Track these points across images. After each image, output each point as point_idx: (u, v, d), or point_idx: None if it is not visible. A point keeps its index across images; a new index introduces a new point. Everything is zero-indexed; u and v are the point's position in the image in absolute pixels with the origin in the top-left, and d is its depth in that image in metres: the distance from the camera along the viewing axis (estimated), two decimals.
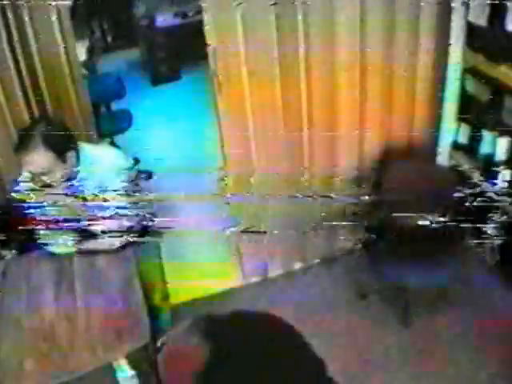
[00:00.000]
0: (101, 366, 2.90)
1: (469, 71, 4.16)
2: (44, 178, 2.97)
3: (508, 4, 3.55)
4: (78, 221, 3.33)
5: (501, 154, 4.02)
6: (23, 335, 2.90)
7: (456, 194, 4.17)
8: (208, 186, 5.74)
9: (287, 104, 3.95)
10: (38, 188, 3.07)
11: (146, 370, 3.40)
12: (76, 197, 3.18)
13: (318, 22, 3.69)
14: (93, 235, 3.35)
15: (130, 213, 3.32)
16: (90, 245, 3.36)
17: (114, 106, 6.43)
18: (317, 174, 4.35)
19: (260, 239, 4.55)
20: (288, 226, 4.55)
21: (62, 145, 2.99)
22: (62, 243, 3.37)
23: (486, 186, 4.19)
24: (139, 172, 5.82)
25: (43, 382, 2.74)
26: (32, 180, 3.06)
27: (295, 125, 4.05)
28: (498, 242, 4.36)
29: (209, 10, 3.46)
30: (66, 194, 3.15)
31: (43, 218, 3.32)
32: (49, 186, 3.05)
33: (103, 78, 6.61)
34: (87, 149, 3.24)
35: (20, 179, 3.19)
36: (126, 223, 3.34)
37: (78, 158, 3.12)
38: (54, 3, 3.42)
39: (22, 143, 2.89)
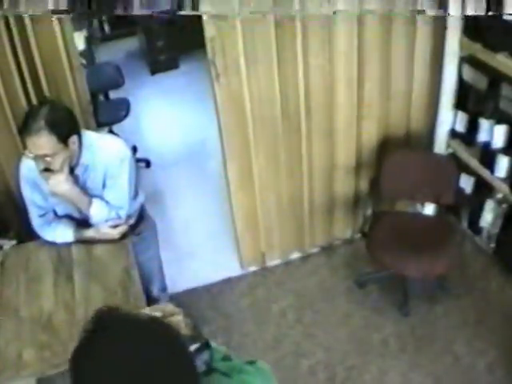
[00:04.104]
0: None
1: (466, 59, 4.16)
2: (48, 159, 2.97)
3: None
4: (77, 211, 3.34)
5: (498, 142, 4.02)
6: (22, 325, 2.91)
7: (454, 182, 4.18)
8: (207, 174, 5.79)
9: (285, 92, 3.94)
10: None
11: None
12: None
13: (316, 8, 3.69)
14: (92, 225, 3.36)
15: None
16: (90, 234, 3.36)
17: (113, 95, 6.43)
18: (315, 162, 4.35)
19: (258, 228, 4.56)
20: (287, 215, 4.57)
21: (66, 129, 2.98)
22: (61, 233, 3.37)
23: (483, 173, 4.20)
24: (138, 160, 5.86)
25: (42, 371, 2.75)
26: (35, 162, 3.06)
27: (293, 113, 4.05)
28: (495, 229, 4.37)
29: None
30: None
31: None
32: (51, 170, 3.04)
33: (101, 67, 6.59)
34: (90, 136, 3.24)
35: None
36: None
37: (81, 144, 3.12)
38: None
39: (26, 125, 2.88)
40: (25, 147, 3.00)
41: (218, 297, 4.51)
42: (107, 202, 3.27)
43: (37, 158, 2.98)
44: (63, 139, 2.94)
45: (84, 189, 3.22)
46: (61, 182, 3.07)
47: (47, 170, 3.04)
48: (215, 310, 4.40)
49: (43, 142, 2.87)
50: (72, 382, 1.28)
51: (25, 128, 2.89)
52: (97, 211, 3.25)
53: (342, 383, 3.87)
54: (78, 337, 1.33)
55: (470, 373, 3.81)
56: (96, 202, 3.24)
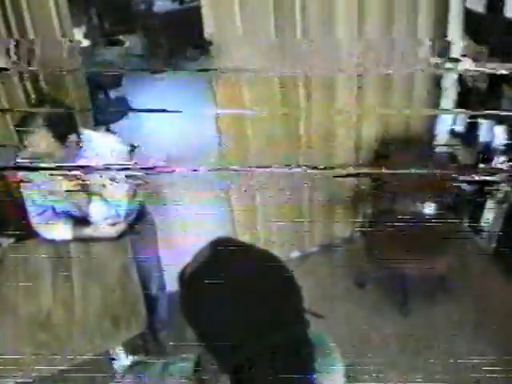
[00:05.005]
0: (98, 353, 2.89)
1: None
2: (45, 158, 2.96)
3: None
4: (76, 209, 3.33)
5: (498, 142, 4.01)
6: (20, 323, 2.90)
7: (454, 182, 4.17)
8: (206, 171, 5.76)
9: (285, 90, 3.93)
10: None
11: (143, 357, 3.40)
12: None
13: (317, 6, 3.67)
14: (90, 222, 3.35)
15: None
16: (88, 232, 3.35)
17: (112, 94, 6.42)
18: (315, 160, 4.34)
19: (258, 227, 4.55)
20: (286, 213, 4.55)
21: (64, 127, 2.97)
22: (60, 231, 3.35)
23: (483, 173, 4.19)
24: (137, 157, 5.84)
25: (40, 370, 2.73)
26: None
27: (293, 111, 4.03)
28: (496, 229, 4.36)
29: None
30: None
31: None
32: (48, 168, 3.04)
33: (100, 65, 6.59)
34: (89, 134, 3.23)
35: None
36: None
37: (79, 142, 3.11)
38: None
39: (24, 123, 2.87)
40: (23, 145, 2.99)
41: None
42: (106, 200, 3.26)
43: (34, 156, 2.97)
44: (61, 137, 2.93)
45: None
46: (60, 180, 3.07)
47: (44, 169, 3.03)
48: None
49: (41, 140, 2.86)
50: (187, 305, 1.40)
51: (23, 126, 2.88)
52: (96, 209, 3.24)
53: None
54: (193, 261, 1.47)
55: (470, 373, 3.80)
56: (95, 200, 3.23)
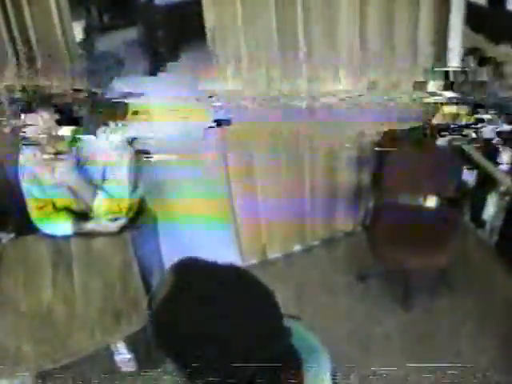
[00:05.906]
0: (99, 349, 2.89)
1: (469, 51, 4.13)
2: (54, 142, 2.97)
3: None
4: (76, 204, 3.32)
5: (501, 135, 4.00)
6: (21, 319, 2.89)
7: (456, 175, 4.16)
8: (207, 165, 5.75)
9: (287, 83, 3.91)
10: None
11: (144, 352, 3.40)
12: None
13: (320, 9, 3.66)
14: (91, 217, 3.34)
15: None
16: (88, 227, 3.34)
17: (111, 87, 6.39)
18: (317, 154, 4.33)
19: (259, 220, 4.54)
20: (288, 207, 4.54)
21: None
22: (60, 225, 3.35)
23: (486, 166, 4.18)
24: (137, 152, 5.82)
25: (41, 366, 2.73)
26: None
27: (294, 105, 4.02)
28: (497, 223, 4.35)
29: None
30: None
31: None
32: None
33: (101, 58, 6.57)
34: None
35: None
36: None
37: (79, 139, 3.12)
38: None
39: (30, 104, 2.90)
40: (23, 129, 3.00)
41: None
42: (110, 194, 3.25)
43: (44, 140, 2.97)
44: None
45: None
46: (70, 170, 3.07)
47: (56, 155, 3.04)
48: None
49: (48, 117, 2.88)
50: (156, 334, 1.37)
51: (29, 106, 2.90)
52: (100, 202, 3.24)
53: (343, 377, 3.83)
54: (159, 287, 1.40)
55: (473, 368, 3.79)
56: (100, 194, 3.23)
